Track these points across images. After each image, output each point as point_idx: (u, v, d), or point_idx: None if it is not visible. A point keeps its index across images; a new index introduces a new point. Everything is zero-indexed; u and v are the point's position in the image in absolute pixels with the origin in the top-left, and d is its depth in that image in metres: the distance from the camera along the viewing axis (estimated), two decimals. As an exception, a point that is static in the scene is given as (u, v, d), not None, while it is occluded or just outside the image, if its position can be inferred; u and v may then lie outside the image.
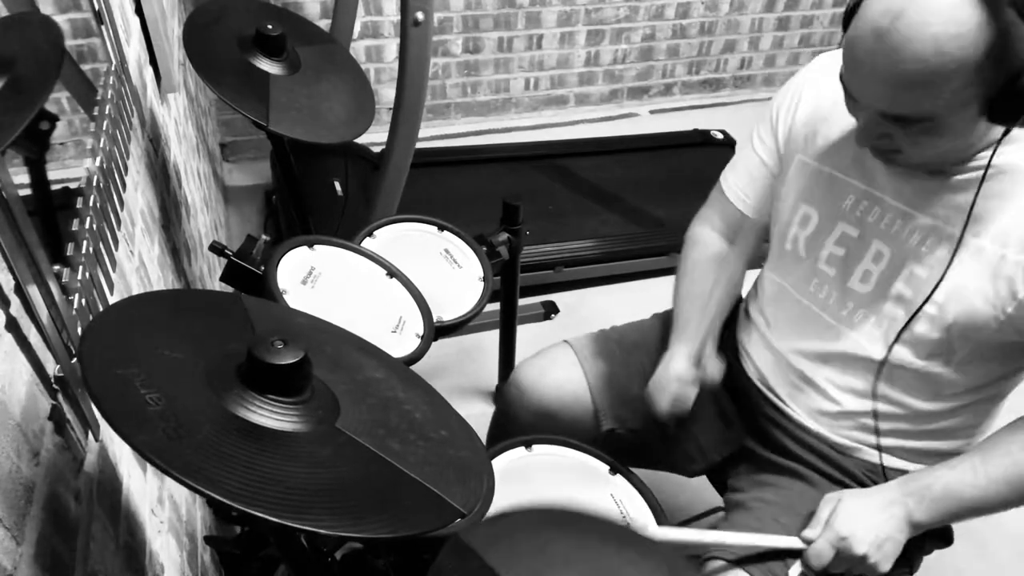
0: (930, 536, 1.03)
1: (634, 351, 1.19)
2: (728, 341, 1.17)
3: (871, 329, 0.96)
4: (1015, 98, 0.74)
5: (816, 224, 1.00)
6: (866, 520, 0.91)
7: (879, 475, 1.01)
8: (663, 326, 1.23)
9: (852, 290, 0.97)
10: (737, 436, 1.12)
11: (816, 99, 1.01)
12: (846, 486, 1.02)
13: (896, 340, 0.93)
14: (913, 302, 0.91)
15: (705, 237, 1.19)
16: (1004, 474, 0.89)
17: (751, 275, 1.18)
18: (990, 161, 0.83)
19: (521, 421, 1.18)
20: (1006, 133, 0.80)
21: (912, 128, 0.79)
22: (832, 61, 1.01)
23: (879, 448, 1.00)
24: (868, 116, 0.82)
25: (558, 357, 1.20)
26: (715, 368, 1.09)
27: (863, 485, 1.01)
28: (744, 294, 1.21)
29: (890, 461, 1.01)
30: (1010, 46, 0.72)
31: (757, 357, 1.11)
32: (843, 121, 0.97)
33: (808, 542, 0.93)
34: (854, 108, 0.85)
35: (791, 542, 0.94)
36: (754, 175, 1.11)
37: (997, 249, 0.85)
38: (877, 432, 0.99)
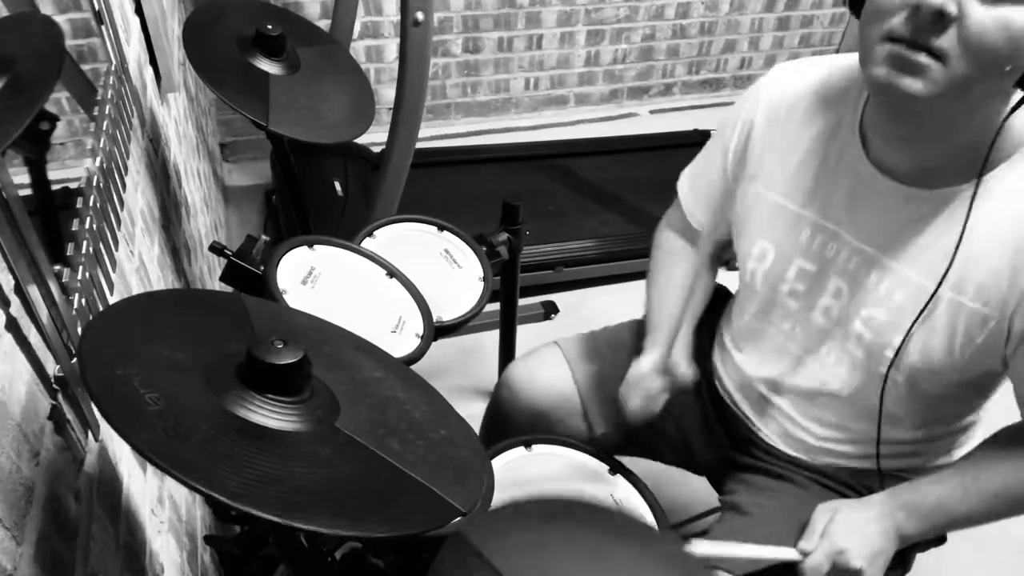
0: None
1: (621, 352, 1.18)
2: (705, 357, 1.16)
3: (834, 365, 0.95)
4: None
5: (772, 259, 0.97)
6: (861, 533, 0.90)
7: (867, 476, 1.01)
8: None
9: (815, 323, 0.95)
10: (720, 445, 1.13)
11: (771, 125, 0.96)
12: (836, 492, 1.02)
13: (882, 397, 0.92)
14: (872, 345, 0.90)
15: (669, 241, 1.17)
16: (995, 489, 0.88)
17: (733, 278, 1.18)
18: (974, 196, 0.79)
19: (514, 421, 1.18)
20: (1006, 118, 0.76)
21: (991, 11, 0.67)
22: (795, 73, 0.96)
23: (879, 473, 0.99)
24: None
25: (546, 358, 1.20)
26: (686, 369, 1.05)
27: (854, 489, 1.01)
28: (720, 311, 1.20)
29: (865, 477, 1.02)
30: None
31: (727, 379, 1.11)
32: (799, 151, 0.93)
33: (805, 554, 0.92)
34: None
35: (789, 553, 0.94)
36: (708, 197, 1.08)
37: (954, 296, 0.83)
38: (878, 460, 0.98)
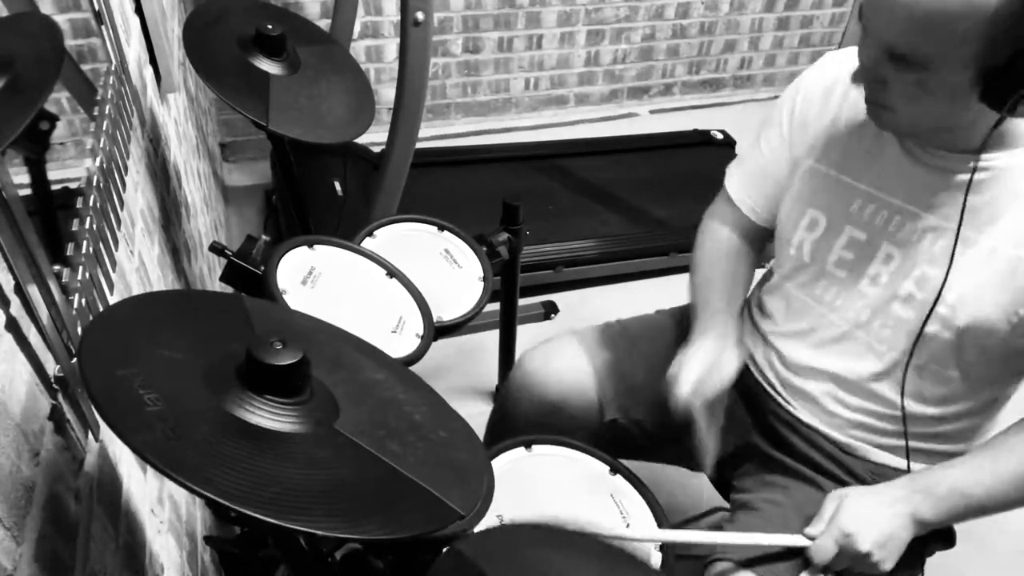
0: (933, 538, 1.02)
1: (640, 343, 1.18)
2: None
3: (879, 328, 0.96)
4: (1009, 76, 0.73)
5: (824, 228, 0.99)
6: (870, 517, 0.91)
7: (884, 476, 1.00)
8: (670, 320, 1.23)
9: (862, 292, 0.97)
10: (741, 432, 1.12)
11: (824, 101, 1.00)
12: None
13: (914, 347, 0.92)
14: (924, 301, 0.91)
15: (716, 231, 1.17)
16: (1012, 474, 0.89)
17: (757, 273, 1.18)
18: (977, 159, 0.83)
19: (523, 411, 1.17)
20: (998, 124, 0.79)
21: (906, 75, 0.79)
22: (842, 60, 1.00)
23: (907, 453, 0.99)
24: (871, 51, 0.81)
25: (563, 346, 1.19)
26: (733, 366, 1.00)
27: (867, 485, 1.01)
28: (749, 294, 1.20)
29: (890, 460, 1.01)
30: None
31: (761, 360, 1.10)
32: (850, 124, 0.97)
33: (812, 539, 0.93)
34: (863, 43, 0.83)
35: (795, 540, 0.94)
36: (761, 182, 1.10)
37: (1009, 250, 0.85)
38: (906, 438, 0.98)
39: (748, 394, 1.13)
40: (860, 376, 0.99)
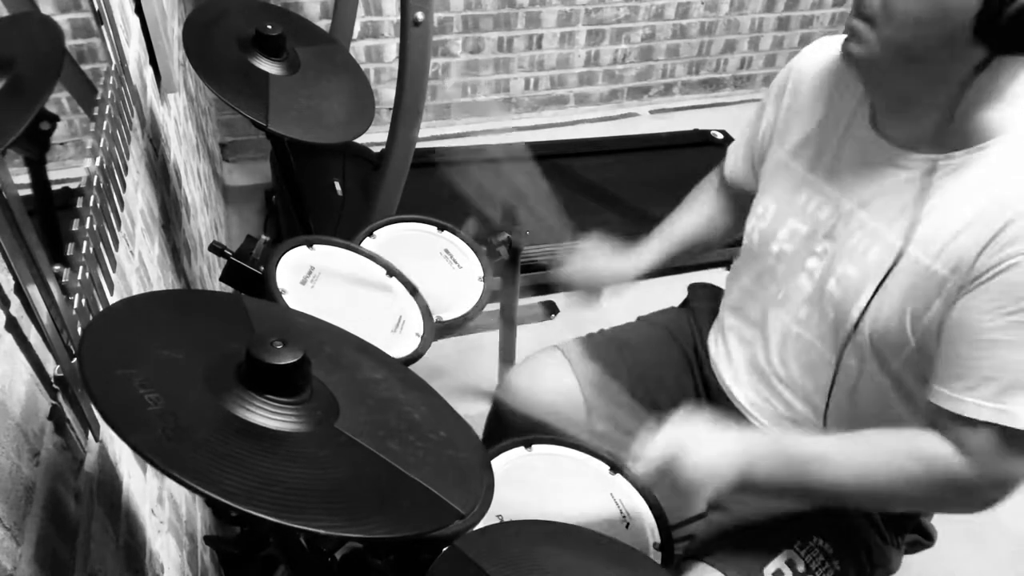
0: (908, 533, 1.02)
1: (624, 352, 1.19)
2: (703, 351, 1.18)
3: (816, 325, 0.95)
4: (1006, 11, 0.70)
5: (771, 218, 1.00)
6: (706, 452, 0.85)
7: None
8: (652, 328, 1.25)
9: (800, 286, 0.97)
10: None
11: (797, 93, 1.00)
12: None
13: (844, 346, 0.90)
14: (840, 303, 0.90)
15: (702, 188, 1.27)
16: (857, 467, 0.84)
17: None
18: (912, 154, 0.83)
19: (516, 428, 1.18)
20: (982, 67, 0.75)
21: None
22: (816, 49, 1.01)
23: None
24: None
25: (548, 362, 1.20)
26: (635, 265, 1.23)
27: None
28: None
29: None
30: None
31: (724, 370, 1.11)
32: (816, 117, 0.97)
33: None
34: None
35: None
36: (737, 145, 1.15)
37: (926, 260, 0.82)
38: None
39: (715, 407, 1.12)
40: (803, 381, 0.99)
